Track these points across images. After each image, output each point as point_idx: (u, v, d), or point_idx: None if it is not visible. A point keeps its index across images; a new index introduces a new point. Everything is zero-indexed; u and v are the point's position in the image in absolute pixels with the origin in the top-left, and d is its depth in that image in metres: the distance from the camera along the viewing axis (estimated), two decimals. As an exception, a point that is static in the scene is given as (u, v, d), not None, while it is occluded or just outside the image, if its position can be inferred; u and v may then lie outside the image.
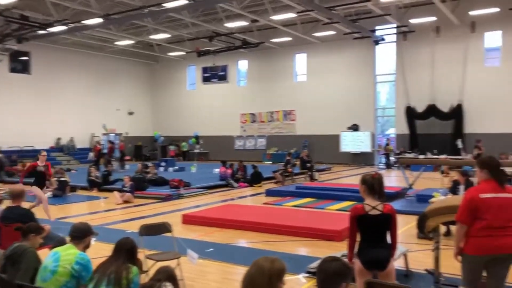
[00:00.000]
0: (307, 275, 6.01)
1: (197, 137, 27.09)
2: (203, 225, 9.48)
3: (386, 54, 26.04)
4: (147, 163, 19.89)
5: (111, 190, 14.53)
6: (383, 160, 25.42)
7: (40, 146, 26.50)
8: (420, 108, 24.04)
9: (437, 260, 5.37)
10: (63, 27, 21.85)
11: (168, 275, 3.38)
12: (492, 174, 4.09)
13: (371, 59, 26.18)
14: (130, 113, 32.55)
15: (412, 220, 8.66)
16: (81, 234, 4.04)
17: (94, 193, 15.46)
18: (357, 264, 4.11)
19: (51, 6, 20.41)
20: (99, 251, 5.63)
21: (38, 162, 10.28)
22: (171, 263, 4.92)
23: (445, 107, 23.32)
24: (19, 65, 26.93)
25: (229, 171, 17.44)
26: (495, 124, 22.09)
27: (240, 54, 29.71)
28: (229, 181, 16.87)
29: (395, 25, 23.75)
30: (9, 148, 24.72)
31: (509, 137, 21.29)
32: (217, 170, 18.47)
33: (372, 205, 4.09)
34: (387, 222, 4.11)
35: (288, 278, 2.61)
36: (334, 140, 26.40)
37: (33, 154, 24.93)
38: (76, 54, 28.89)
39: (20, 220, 5.47)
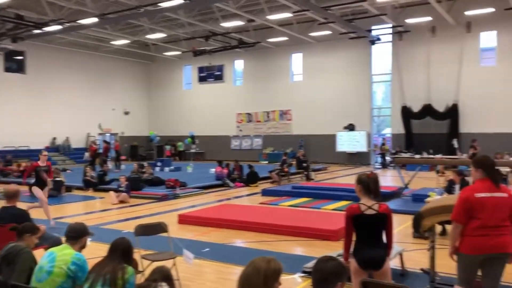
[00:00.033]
0: (303, 274, 6.02)
1: (193, 137, 27.08)
2: (199, 225, 9.47)
3: (382, 54, 26.10)
4: (143, 163, 19.85)
5: (106, 190, 14.52)
6: (379, 159, 25.48)
7: (35, 146, 26.43)
8: (415, 108, 24.11)
9: (432, 259, 5.38)
10: (59, 27, 21.78)
11: (164, 275, 3.37)
12: (487, 174, 4.10)
13: (367, 59, 26.23)
14: (126, 113, 32.48)
15: (408, 220, 8.67)
16: (77, 235, 4.02)
17: (90, 193, 15.42)
18: (352, 263, 4.11)
19: (46, 5, 20.35)
20: (94, 251, 5.62)
21: (39, 162, 10.15)
22: (167, 263, 4.92)
23: (440, 107, 23.40)
24: (14, 64, 26.83)
25: (225, 171, 17.43)
26: (491, 123, 22.19)
27: (236, 54, 29.71)
28: (225, 181, 16.86)
29: (391, 25, 23.83)
30: (3, 148, 24.65)
31: (504, 136, 21.39)
32: (213, 170, 18.46)
33: (368, 205, 4.10)
34: (382, 221, 4.11)
35: (284, 277, 2.61)
36: (330, 139, 26.44)
37: (28, 154, 24.89)
38: (72, 53, 28.80)
39: (15, 220, 5.43)
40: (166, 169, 22.41)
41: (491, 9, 20.77)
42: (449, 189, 9.40)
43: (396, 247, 5.88)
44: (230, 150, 30.07)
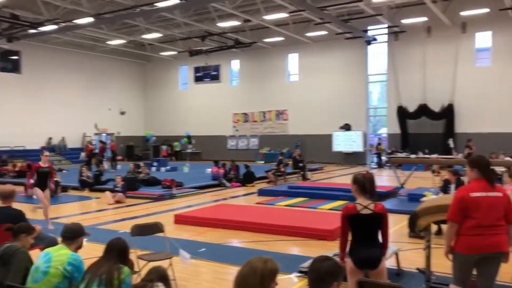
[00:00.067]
0: (299, 274, 6.03)
1: (189, 137, 27.03)
2: (195, 225, 9.47)
3: (378, 54, 26.15)
4: (139, 163, 19.82)
5: (102, 190, 14.49)
6: (375, 159, 25.52)
7: (31, 146, 26.36)
8: (411, 108, 24.17)
9: (428, 259, 5.40)
10: (54, 26, 21.71)
11: (160, 275, 3.37)
12: (482, 173, 4.12)
13: (363, 59, 26.28)
14: (122, 113, 32.40)
15: (404, 219, 8.71)
16: (73, 235, 4.01)
17: (86, 193, 15.38)
18: (348, 263, 4.12)
19: (41, 5, 20.27)
20: (90, 252, 5.60)
21: (40, 163, 10.05)
22: (163, 263, 4.92)
23: (436, 107, 23.48)
24: (10, 64, 26.72)
25: (221, 171, 17.43)
26: (486, 123, 22.28)
27: (232, 54, 29.70)
28: (222, 181, 16.86)
29: (386, 25, 23.87)
30: (-1, 148, 24.54)
31: (500, 136, 21.48)
32: (209, 170, 18.45)
33: (364, 205, 4.11)
34: (378, 221, 4.13)
35: (280, 277, 2.62)
36: (326, 139, 26.47)
37: (24, 154, 24.83)
38: (67, 53, 28.71)
39: (11, 220, 5.41)
40: (162, 169, 22.38)
41: (486, 10, 20.86)
42: (444, 188, 9.43)
43: (392, 247, 5.89)
44: (226, 150, 30.06)
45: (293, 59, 28.85)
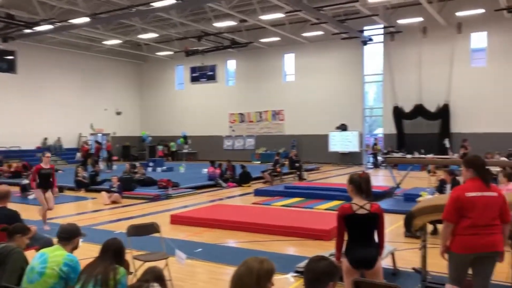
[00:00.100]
0: (295, 274, 6.03)
1: (185, 137, 27.02)
2: (191, 225, 9.46)
3: (373, 54, 26.21)
4: (135, 163, 19.78)
5: (98, 191, 14.46)
6: (371, 159, 25.58)
7: (26, 146, 26.28)
8: (407, 108, 24.24)
9: (424, 258, 5.41)
10: (50, 26, 21.64)
11: (156, 275, 3.36)
12: (478, 173, 4.14)
13: (359, 59, 26.33)
14: (118, 113, 32.33)
15: (400, 219, 8.72)
16: (69, 235, 3.99)
17: (82, 193, 15.34)
18: (344, 263, 4.12)
19: (37, 4, 20.20)
20: (86, 252, 5.58)
21: (42, 164, 9.96)
22: (159, 264, 4.91)
23: (432, 107, 23.55)
24: (5, 64, 26.59)
25: (217, 171, 17.42)
26: (481, 123, 22.37)
27: (228, 54, 29.69)
28: (218, 181, 16.85)
29: (382, 26, 23.93)
30: (-6, 148, 24.44)
31: (495, 136, 21.56)
32: (205, 170, 18.44)
33: (360, 205, 4.11)
34: (374, 221, 4.13)
35: (276, 277, 2.61)
36: (323, 140, 26.50)
37: (20, 154, 24.74)
38: (63, 53, 28.62)
39: (6, 221, 5.39)
40: (159, 169, 22.35)
41: (482, 10, 20.94)
42: (440, 188, 9.46)
43: (387, 247, 5.90)
44: (222, 150, 30.05)
45: (289, 59, 28.87)
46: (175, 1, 18.33)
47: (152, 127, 32.99)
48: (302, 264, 5.91)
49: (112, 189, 13.46)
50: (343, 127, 26.30)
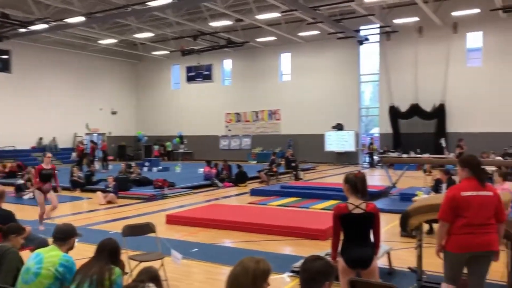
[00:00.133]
0: (291, 274, 6.03)
1: (181, 137, 26.95)
2: (187, 225, 9.44)
3: (370, 54, 26.25)
4: (131, 163, 19.73)
5: (94, 191, 14.42)
6: (367, 159, 25.62)
7: (21, 146, 26.18)
8: (403, 107, 24.29)
9: (419, 258, 5.42)
10: (45, 25, 21.57)
11: (151, 275, 3.34)
12: (473, 173, 4.15)
13: (355, 59, 26.37)
14: (114, 113, 32.25)
15: (395, 219, 8.69)
16: (64, 236, 3.97)
17: (77, 193, 15.29)
18: (340, 262, 4.12)
19: (32, 4, 20.12)
20: (82, 252, 5.56)
21: (43, 165, 9.87)
22: (155, 264, 4.89)
23: (428, 107, 23.61)
24: (0, 63, 26.47)
25: (213, 170, 17.40)
26: (477, 123, 22.45)
27: (224, 54, 29.67)
28: (214, 181, 16.83)
29: (378, 25, 23.97)
30: (-11, 148, 24.32)
31: (490, 136, 21.64)
32: (201, 170, 18.41)
33: (355, 204, 4.11)
34: (370, 220, 4.13)
35: (272, 277, 2.61)
36: (319, 139, 26.53)
37: (15, 154, 24.62)
38: (58, 52, 28.51)
39: (0, 221, 5.37)
40: (154, 169, 22.30)
41: (477, 10, 21.01)
42: (436, 188, 9.48)
43: (383, 246, 5.91)
44: (219, 150, 30.03)
45: (285, 59, 28.87)
46: (171, 1, 18.30)
47: (148, 127, 32.93)
48: (298, 263, 5.91)
49: (107, 189, 13.42)
50: (339, 127, 26.33)
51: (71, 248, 4.02)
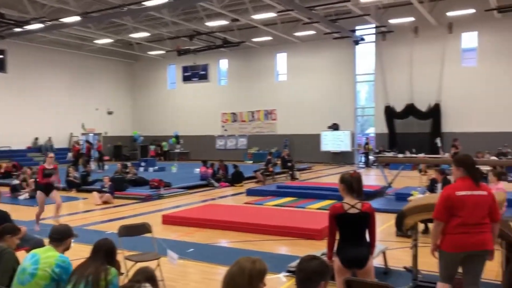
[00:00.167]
0: (287, 274, 6.04)
1: (177, 137, 26.92)
2: (183, 225, 9.44)
3: (365, 54, 26.29)
4: (127, 163, 19.69)
5: (90, 191, 14.38)
6: (363, 159, 25.67)
7: (16, 146, 26.07)
8: (398, 107, 24.35)
9: (415, 257, 5.45)
10: (40, 25, 21.48)
11: (147, 275, 3.35)
12: (468, 172, 4.17)
13: (351, 59, 26.41)
14: (109, 113, 32.15)
15: (391, 218, 8.73)
16: (61, 236, 3.96)
17: (73, 193, 15.24)
18: (336, 262, 4.14)
19: (27, 3, 20.03)
20: (78, 253, 5.55)
21: (45, 164, 9.81)
22: (151, 264, 4.89)
23: (423, 107, 23.68)
24: (-5, 63, 26.37)
25: (210, 170, 17.39)
26: (472, 123, 22.54)
27: (221, 53, 29.65)
28: (210, 181, 16.82)
29: (374, 25, 24.01)
30: (-16, 148, 24.19)
31: (485, 136, 21.74)
32: (197, 170, 18.39)
33: (351, 204, 4.13)
34: (365, 220, 4.15)
35: (268, 277, 2.62)
36: (315, 139, 26.56)
37: (10, 154, 24.50)
38: (54, 52, 28.40)
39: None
40: (150, 169, 22.27)
41: (472, 10, 21.09)
42: (431, 187, 9.53)
43: (379, 246, 5.93)
44: (215, 150, 30.01)
45: (281, 59, 28.88)
46: (167, 0, 18.27)
47: (144, 127, 32.87)
48: (294, 263, 5.92)
49: (103, 189, 13.39)
50: (335, 127, 26.37)
51: (67, 248, 4.02)
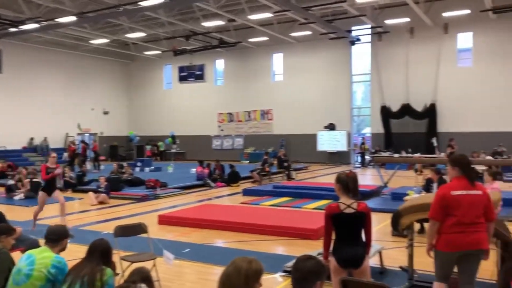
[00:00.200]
0: (283, 274, 6.04)
1: (173, 137, 26.90)
2: (179, 226, 9.42)
3: (361, 54, 26.34)
4: (122, 163, 19.65)
5: (86, 191, 14.33)
6: (359, 159, 25.71)
7: (12, 146, 25.96)
8: (394, 107, 24.41)
9: (411, 257, 5.46)
10: (36, 25, 21.41)
11: (143, 276, 3.34)
12: (463, 172, 4.18)
13: (347, 59, 26.45)
14: (105, 113, 32.08)
15: (387, 218, 8.76)
16: (57, 237, 3.95)
17: (69, 194, 15.18)
18: (332, 262, 4.14)
19: (23, 3, 19.96)
20: (73, 253, 5.54)
21: (48, 164, 9.77)
22: (147, 264, 4.88)
23: (419, 107, 23.75)
24: (-10, 63, 26.21)
25: (206, 170, 17.37)
26: (468, 123, 22.63)
27: (217, 54, 29.64)
28: (206, 181, 16.80)
29: (370, 26, 24.06)
30: (-21, 148, 24.08)
31: (481, 135, 21.83)
32: (194, 170, 18.38)
33: (347, 204, 4.13)
34: (361, 220, 4.15)
35: (265, 277, 2.62)
36: (311, 139, 26.58)
37: (5, 154, 24.39)
38: (50, 52, 28.31)
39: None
40: (146, 169, 22.22)
41: (467, 11, 21.16)
42: (427, 187, 9.55)
43: (375, 245, 5.94)
44: (211, 150, 29.99)
45: (277, 59, 28.90)
46: (163, 0, 18.25)
47: (140, 127, 32.81)
48: (290, 263, 5.91)
49: (99, 190, 13.36)
50: (331, 127, 26.41)
51: (63, 249, 4.00)
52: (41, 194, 9.60)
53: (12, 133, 25.84)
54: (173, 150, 27.13)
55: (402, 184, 14.24)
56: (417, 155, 19.37)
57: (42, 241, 4.03)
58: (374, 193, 13.00)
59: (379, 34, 24.74)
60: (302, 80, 27.38)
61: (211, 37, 26.22)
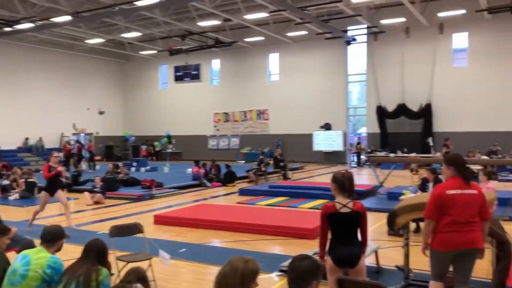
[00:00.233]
0: (280, 273, 6.05)
1: (169, 137, 26.84)
2: (175, 226, 9.42)
3: (357, 54, 26.38)
4: (118, 163, 19.60)
5: (81, 191, 14.30)
6: (355, 158, 25.76)
7: (7, 146, 25.84)
8: (390, 107, 24.47)
9: (407, 256, 5.47)
10: (31, 25, 21.31)
11: (138, 276, 3.33)
12: (458, 171, 4.20)
13: (342, 59, 26.49)
14: (101, 113, 31.97)
15: (383, 218, 8.78)
16: (53, 237, 3.93)
17: (64, 194, 15.09)
18: (328, 261, 4.14)
19: (17, 2, 19.87)
20: (69, 253, 5.52)
21: (50, 163, 9.71)
22: (143, 264, 4.87)
23: (414, 107, 23.81)
24: (-15, 63, 26.10)
25: (202, 170, 17.36)
26: (463, 123, 22.71)
27: (213, 53, 29.61)
28: (202, 180, 16.79)
29: (366, 26, 24.10)
30: (-26, 148, 23.96)
31: (476, 135, 21.91)
32: (190, 170, 18.36)
33: (343, 203, 4.14)
34: (357, 219, 4.16)
35: (261, 276, 2.62)
36: (307, 139, 26.61)
37: (0, 155, 24.28)
38: (45, 52, 28.20)
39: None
40: (142, 169, 22.18)
41: (463, 11, 21.23)
42: (422, 187, 9.58)
43: (371, 245, 5.96)
44: (207, 150, 29.97)
45: (273, 59, 28.90)
46: (159, 0, 18.21)
47: (135, 127, 32.73)
48: (286, 263, 5.92)
49: (95, 190, 13.34)
50: (327, 127, 26.44)
51: (59, 249, 3.99)
52: (43, 194, 9.57)
53: (7, 133, 25.72)
54: (169, 150, 27.07)
55: (397, 183, 14.28)
56: (413, 154, 19.40)
57: (37, 242, 4.01)
58: (370, 192, 13.03)
59: (374, 34, 24.79)
60: (298, 80, 27.40)
61: (207, 37, 26.19)
